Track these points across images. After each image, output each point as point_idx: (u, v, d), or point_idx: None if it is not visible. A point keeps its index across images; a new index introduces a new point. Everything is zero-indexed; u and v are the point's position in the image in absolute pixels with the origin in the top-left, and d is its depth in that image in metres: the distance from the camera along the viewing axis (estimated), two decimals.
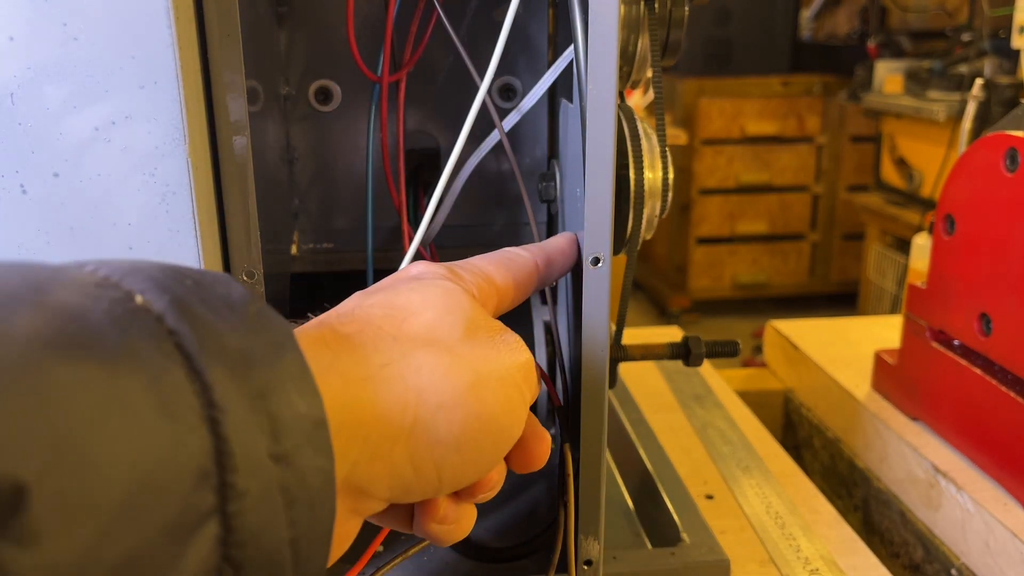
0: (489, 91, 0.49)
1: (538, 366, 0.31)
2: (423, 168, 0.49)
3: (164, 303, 0.19)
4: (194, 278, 0.21)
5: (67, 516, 0.15)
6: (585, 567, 0.37)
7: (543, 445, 0.30)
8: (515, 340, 0.29)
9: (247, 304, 0.21)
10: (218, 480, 0.17)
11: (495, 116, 0.39)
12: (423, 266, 0.31)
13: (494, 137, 0.41)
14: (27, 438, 0.15)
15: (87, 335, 0.17)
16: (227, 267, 0.35)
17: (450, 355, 0.26)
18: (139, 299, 0.19)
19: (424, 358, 0.26)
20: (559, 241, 0.35)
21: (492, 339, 0.28)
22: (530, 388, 0.29)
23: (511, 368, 0.27)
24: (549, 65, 0.42)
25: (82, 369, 0.16)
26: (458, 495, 0.29)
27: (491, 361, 0.27)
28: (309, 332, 0.25)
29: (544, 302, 0.46)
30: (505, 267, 0.32)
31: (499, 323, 0.29)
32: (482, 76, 0.36)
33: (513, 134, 0.49)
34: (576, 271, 0.35)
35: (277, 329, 0.21)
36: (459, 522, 0.29)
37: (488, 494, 0.29)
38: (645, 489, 0.51)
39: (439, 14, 0.41)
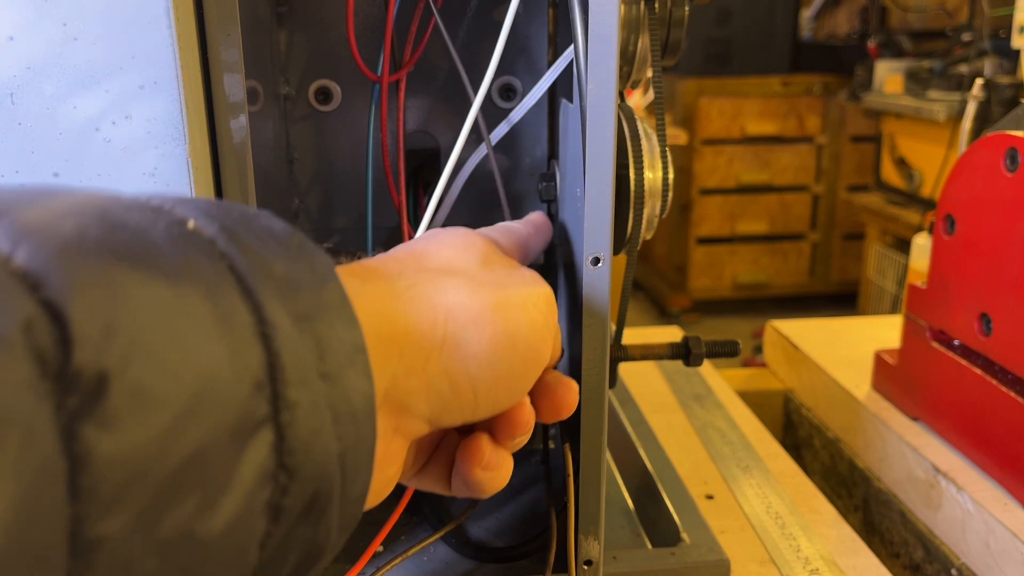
0: (489, 91, 0.49)
1: None
2: (423, 168, 0.49)
3: (215, 229, 0.20)
4: (239, 211, 0.22)
5: (143, 406, 0.16)
6: (585, 567, 0.37)
7: (571, 392, 0.31)
8: (532, 273, 0.30)
9: (290, 236, 0.22)
10: (271, 391, 0.19)
11: (484, 131, 0.39)
12: (437, 229, 0.33)
13: (495, 137, 0.41)
14: (108, 332, 0.16)
15: (150, 249, 0.18)
16: None
17: (472, 280, 0.28)
18: (191, 224, 0.20)
19: (448, 282, 0.27)
20: (536, 217, 0.39)
21: (510, 271, 0.30)
22: (553, 316, 0.30)
23: (531, 294, 0.29)
24: (549, 65, 0.42)
25: (148, 277, 0.17)
26: (496, 437, 0.30)
27: (511, 287, 0.28)
28: (344, 268, 0.26)
29: None
30: (508, 235, 0.35)
31: (514, 260, 0.31)
32: (482, 76, 0.36)
33: (513, 134, 0.49)
34: (576, 271, 0.35)
35: (318, 259, 0.22)
36: (499, 469, 0.30)
37: (523, 437, 0.30)
38: (645, 489, 0.51)
39: (437, 18, 0.41)
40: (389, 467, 0.27)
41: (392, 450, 0.27)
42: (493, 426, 0.30)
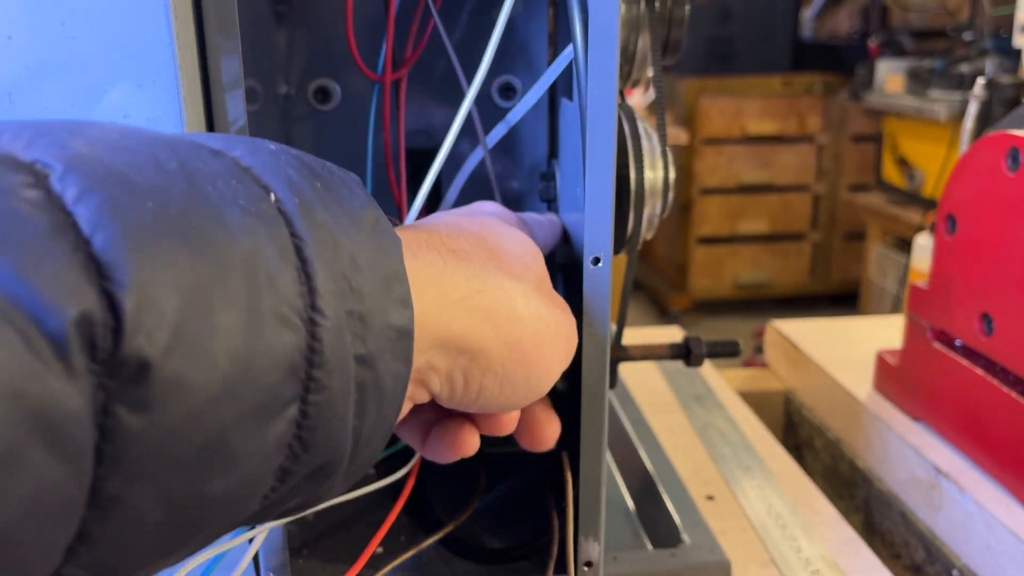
0: (489, 90, 0.49)
1: None
2: (424, 168, 0.49)
3: (293, 205, 0.21)
4: (324, 180, 0.23)
5: (177, 393, 0.17)
6: (585, 568, 0.37)
7: (550, 428, 0.34)
8: (571, 317, 0.32)
9: (366, 215, 0.23)
10: (305, 374, 0.20)
11: (480, 133, 0.39)
12: (497, 208, 0.35)
13: (492, 138, 0.41)
14: (156, 324, 0.17)
15: (219, 232, 0.19)
16: None
17: (525, 302, 0.29)
18: (273, 197, 0.21)
19: (510, 295, 0.28)
20: (556, 219, 0.40)
21: (552, 304, 0.31)
22: (568, 360, 0.31)
23: (561, 337, 0.30)
24: (549, 64, 0.41)
25: (209, 266, 0.18)
26: (477, 425, 0.32)
27: (550, 323, 0.30)
28: (420, 237, 0.28)
29: None
30: (552, 237, 0.37)
31: (560, 298, 0.32)
32: (473, 81, 0.36)
33: (513, 133, 0.49)
34: (576, 271, 0.35)
35: (388, 243, 0.23)
36: (471, 451, 0.32)
37: (499, 434, 0.33)
38: (646, 490, 0.51)
39: (435, 19, 0.41)
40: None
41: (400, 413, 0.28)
42: (478, 418, 0.32)
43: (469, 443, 0.31)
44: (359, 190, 0.24)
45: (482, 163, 0.42)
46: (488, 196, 0.53)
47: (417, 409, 0.33)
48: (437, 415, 0.33)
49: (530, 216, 0.37)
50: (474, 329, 0.27)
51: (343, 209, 0.22)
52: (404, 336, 0.23)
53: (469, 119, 0.36)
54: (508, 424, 0.32)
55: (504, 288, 0.28)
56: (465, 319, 0.27)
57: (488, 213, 0.34)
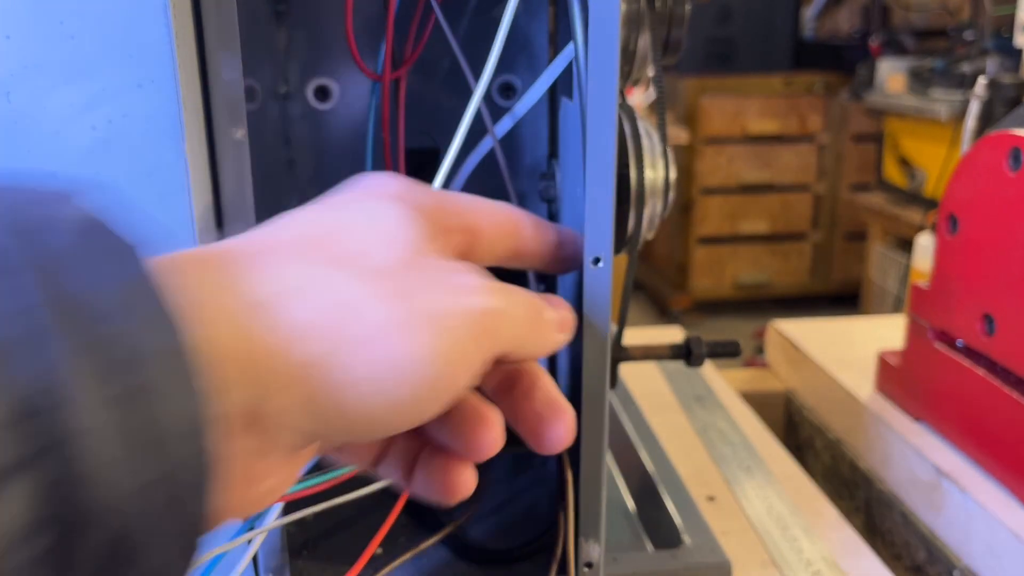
0: (489, 90, 0.49)
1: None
2: (424, 168, 0.49)
3: None
4: (13, 196, 0.18)
5: None
6: (586, 569, 0.37)
7: (559, 426, 0.27)
8: (473, 283, 0.24)
9: (79, 219, 0.18)
10: (28, 430, 0.15)
11: (489, 123, 0.39)
12: (379, 179, 0.27)
13: (498, 131, 0.40)
14: None
15: None
16: None
17: (377, 282, 0.22)
18: None
19: (340, 283, 0.22)
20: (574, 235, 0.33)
21: (440, 274, 0.24)
22: (489, 340, 0.24)
23: (456, 311, 0.23)
24: (549, 63, 0.41)
25: None
26: (460, 456, 0.27)
27: (430, 299, 0.23)
28: (190, 253, 0.21)
29: None
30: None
31: (459, 262, 0.25)
32: (481, 75, 0.36)
33: (513, 133, 0.49)
34: (576, 271, 0.35)
35: (118, 250, 0.18)
36: (462, 490, 0.27)
37: (486, 456, 0.26)
38: (646, 490, 0.51)
39: (438, 14, 0.41)
40: (262, 482, 0.22)
41: (264, 466, 0.22)
42: (454, 444, 0.26)
43: (463, 482, 0.26)
44: (74, 199, 0.18)
45: (482, 163, 0.42)
46: (489, 194, 0.53)
47: (391, 443, 0.28)
48: (414, 445, 0.28)
49: (558, 226, 0.31)
50: (281, 340, 0.20)
51: (45, 214, 0.17)
52: (172, 355, 0.17)
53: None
54: (490, 443, 0.26)
55: (331, 274, 0.22)
56: (279, 322, 0.20)
57: (359, 187, 0.27)
